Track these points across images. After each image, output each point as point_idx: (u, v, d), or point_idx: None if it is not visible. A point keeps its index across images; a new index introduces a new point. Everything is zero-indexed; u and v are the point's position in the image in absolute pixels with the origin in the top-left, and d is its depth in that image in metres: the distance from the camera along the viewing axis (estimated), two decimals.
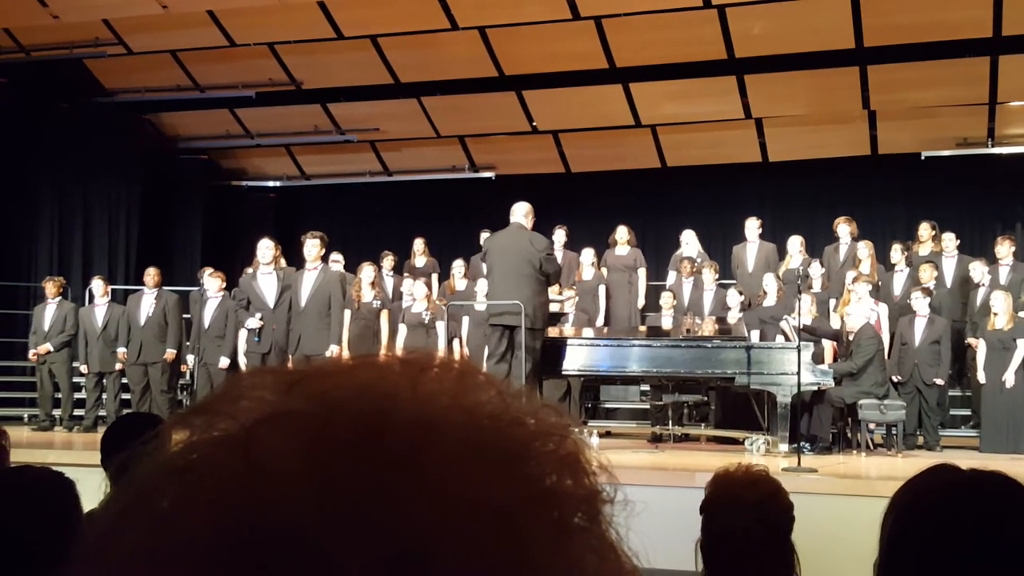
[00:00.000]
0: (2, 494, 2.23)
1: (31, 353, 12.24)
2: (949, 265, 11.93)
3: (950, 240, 12.08)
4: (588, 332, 11.05)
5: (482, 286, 11.36)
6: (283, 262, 11.00)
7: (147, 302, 11.82)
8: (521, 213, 9.66)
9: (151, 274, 11.98)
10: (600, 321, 12.35)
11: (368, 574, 0.45)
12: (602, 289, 12.58)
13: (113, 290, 13.15)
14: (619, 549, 0.53)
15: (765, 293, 11.31)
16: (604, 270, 12.92)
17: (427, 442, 0.49)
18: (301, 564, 0.45)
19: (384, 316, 11.44)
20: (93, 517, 0.55)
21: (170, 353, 11.71)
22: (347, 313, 10.94)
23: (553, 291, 11.22)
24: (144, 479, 0.51)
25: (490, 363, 9.38)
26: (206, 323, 11.21)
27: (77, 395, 12.44)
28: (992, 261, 11.63)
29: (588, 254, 12.81)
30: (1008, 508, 1.43)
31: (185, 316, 12.15)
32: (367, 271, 11.52)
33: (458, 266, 13.18)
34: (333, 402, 0.50)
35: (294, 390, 0.52)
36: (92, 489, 2.31)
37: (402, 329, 11.59)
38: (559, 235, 12.93)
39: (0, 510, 2.15)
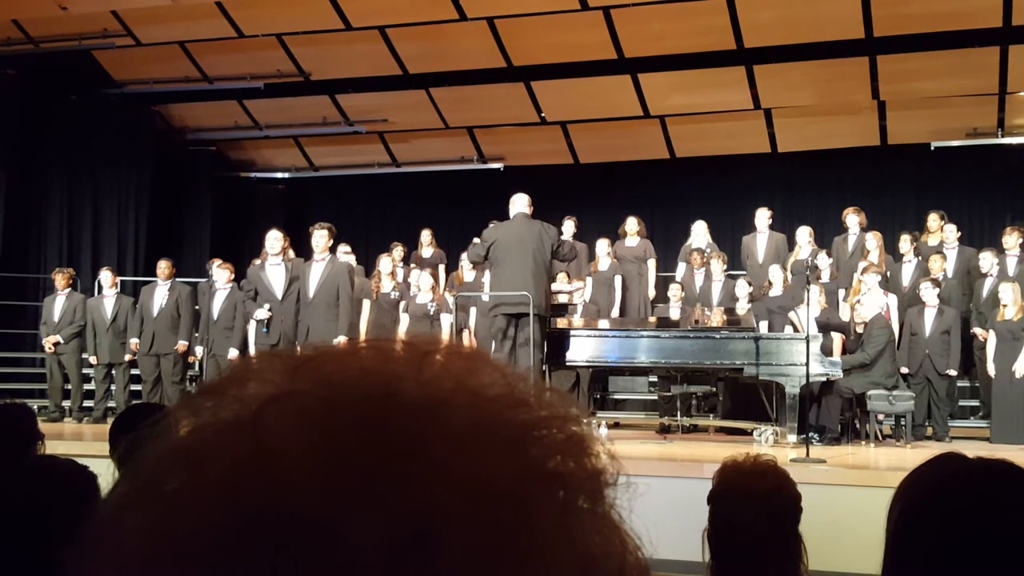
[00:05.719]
0: (29, 479, 2.27)
1: (46, 342, 12.21)
2: (951, 256, 11.90)
3: (951, 231, 12.07)
4: (604, 323, 11.04)
5: (488, 276, 11.36)
6: (291, 253, 11.00)
7: (160, 294, 11.84)
8: (524, 203, 9.75)
9: (163, 267, 12.00)
10: (616, 312, 12.32)
11: (374, 554, 0.45)
12: (618, 280, 12.53)
13: (122, 281, 13.17)
14: (622, 529, 0.53)
15: (771, 283, 11.30)
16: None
17: (432, 423, 0.49)
18: (308, 545, 0.46)
19: (403, 307, 11.49)
20: (102, 502, 0.55)
21: (182, 344, 11.74)
22: (366, 304, 10.94)
23: (562, 282, 11.23)
24: (151, 463, 0.51)
25: (497, 353, 9.40)
26: (215, 315, 11.21)
27: (87, 386, 12.46)
28: (1001, 251, 11.58)
29: (603, 245, 12.69)
30: (1014, 496, 1.43)
31: (194, 308, 12.18)
32: (385, 262, 11.55)
33: (466, 257, 13.19)
34: (339, 384, 0.51)
35: (299, 373, 0.52)
36: (101, 478, 2.34)
37: (405, 319, 11.60)
38: (568, 226, 12.89)
39: (26, 494, 2.20)
